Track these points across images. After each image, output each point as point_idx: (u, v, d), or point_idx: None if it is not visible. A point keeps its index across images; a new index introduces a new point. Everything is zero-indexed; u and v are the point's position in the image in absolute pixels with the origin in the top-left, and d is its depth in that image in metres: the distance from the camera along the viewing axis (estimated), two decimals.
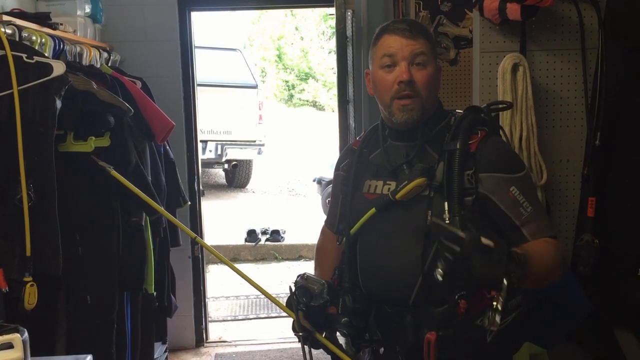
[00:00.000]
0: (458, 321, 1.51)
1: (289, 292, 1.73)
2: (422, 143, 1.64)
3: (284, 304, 1.77)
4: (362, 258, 1.70)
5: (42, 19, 2.56)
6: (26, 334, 1.61)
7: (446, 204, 1.54)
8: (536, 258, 1.46)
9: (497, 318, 1.39)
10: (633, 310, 2.21)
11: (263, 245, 6.43)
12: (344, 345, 1.74)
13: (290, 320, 1.75)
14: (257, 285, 2.00)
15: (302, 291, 1.65)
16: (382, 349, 1.69)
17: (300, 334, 1.67)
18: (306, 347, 1.72)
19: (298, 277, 1.68)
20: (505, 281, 1.29)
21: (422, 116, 1.62)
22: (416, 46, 1.60)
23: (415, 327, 1.56)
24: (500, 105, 1.91)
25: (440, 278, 1.34)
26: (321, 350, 1.72)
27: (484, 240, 1.30)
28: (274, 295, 2.06)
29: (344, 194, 1.76)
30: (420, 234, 1.58)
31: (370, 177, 1.70)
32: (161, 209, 2.53)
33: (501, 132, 1.76)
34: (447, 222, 1.52)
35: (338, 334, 1.70)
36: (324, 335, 1.69)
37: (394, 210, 1.62)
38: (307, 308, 1.65)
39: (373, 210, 1.64)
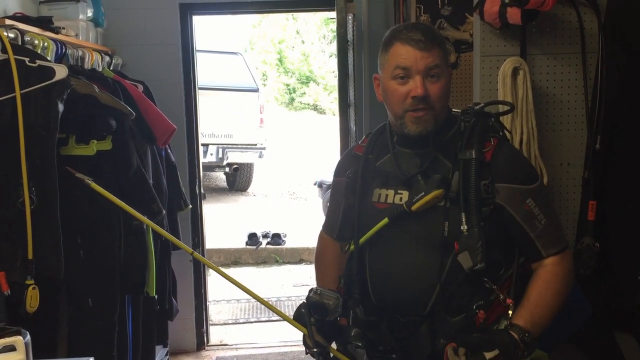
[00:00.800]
0: (477, 330, 1.52)
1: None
2: (434, 152, 1.62)
3: (292, 317, 1.74)
4: (373, 268, 1.67)
5: (45, 23, 2.57)
6: (28, 336, 1.61)
7: (463, 215, 1.54)
8: (541, 311, 1.54)
9: None
10: (634, 313, 2.21)
11: (264, 249, 6.43)
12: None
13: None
14: (266, 303, 1.93)
15: (317, 307, 1.62)
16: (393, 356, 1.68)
17: (315, 350, 1.65)
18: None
19: (311, 292, 1.65)
20: None
21: (435, 126, 1.60)
22: (431, 59, 1.56)
23: (431, 337, 1.57)
24: (502, 109, 1.89)
25: None
26: None
27: (489, 355, 1.44)
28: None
29: (349, 200, 1.73)
30: (436, 245, 1.57)
31: (379, 186, 1.67)
32: (148, 220, 2.48)
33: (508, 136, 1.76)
34: (465, 233, 1.52)
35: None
36: (336, 348, 1.67)
37: (408, 221, 1.60)
38: (321, 323, 1.63)
39: (386, 220, 1.62)
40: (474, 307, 1.56)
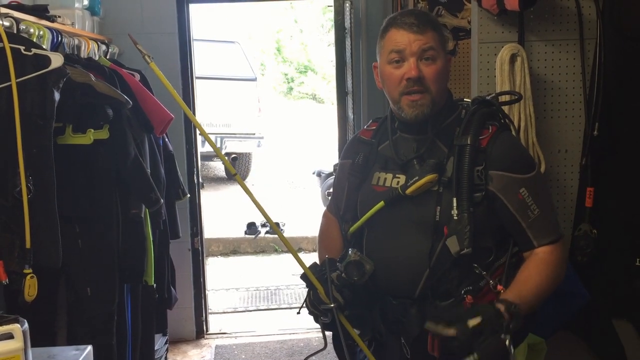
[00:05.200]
0: None
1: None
2: (432, 137, 1.63)
3: (302, 304, 1.73)
4: (369, 249, 1.70)
5: (40, 11, 2.55)
6: (26, 324, 1.61)
7: (455, 200, 1.55)
8: (529, 290, 1.52)
9: None
10: (631, 300, 2.22)
11: (263, 238, 6.43)
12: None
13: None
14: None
15: (356, 267, 1.61)
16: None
17: (331, 305, 1.60)
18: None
19: (351, 252, 1.63)
20: (507, 343, 1.39)
21: (432, 110, 1.61)
22: (424, 41, 1.58)
23: (420, 320, 1.57)
24: (510, 97, 1.91)
25: None
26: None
27: (472, 322, 1.40)
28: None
29: (351, 184, 1.76)
30: (428, 229, 1.59)
31: (379, 169, 1.70)
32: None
33: (511, 126, 1.76)
34: (455, 218, 1.53)
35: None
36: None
37: (403, 204, 1.62)
38: (347, 284, 1.61)
39: (382, 203, 1.64)
40: (462, 292, 1.57)
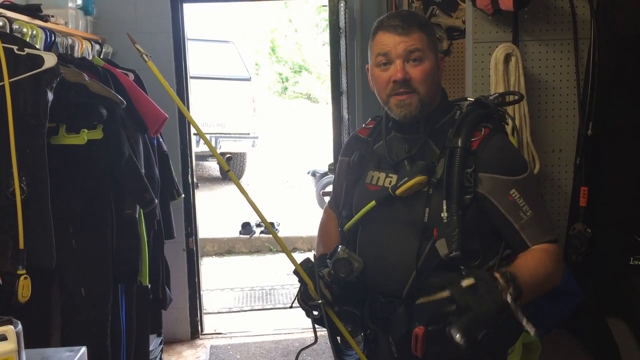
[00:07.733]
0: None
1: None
2: (424, 137, 1.64)
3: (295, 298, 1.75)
4: (361, 247, 1.71)
5: (33, 11, 2.53)
6: (20, 325, 1.60)
7: (445, 202, 1.55)
8: (526, 271, 1.48)
9: None
10: (626, 299, 2.23)
11: (258, 238, 6.43)
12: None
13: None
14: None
15: (344, 263, 1.61)
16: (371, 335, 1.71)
17: (319, 301, 1.63)
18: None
19: (340, 249, 1.64)
20: (509, 300, 1.35)
21: (422, 111, 1.61)
22: (410, 42, 1.58)
23: (407, 319, 1.57)
24: (511, 98, 1.90)
25: (462, 341, 1.34)
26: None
27: (466, 283, 1.38)
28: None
29: (348, 182, 1.78)
30: (417, 229, 1.59)
31: (373, 168, 1.71)
32: None
33: (509, 125, 1.75)
34: (445, 220, 1.53)
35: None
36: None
37: (393, 204, 1.63)
38: (337, 281, 1.62)
39: (373, 203, 1.65)
40: None
